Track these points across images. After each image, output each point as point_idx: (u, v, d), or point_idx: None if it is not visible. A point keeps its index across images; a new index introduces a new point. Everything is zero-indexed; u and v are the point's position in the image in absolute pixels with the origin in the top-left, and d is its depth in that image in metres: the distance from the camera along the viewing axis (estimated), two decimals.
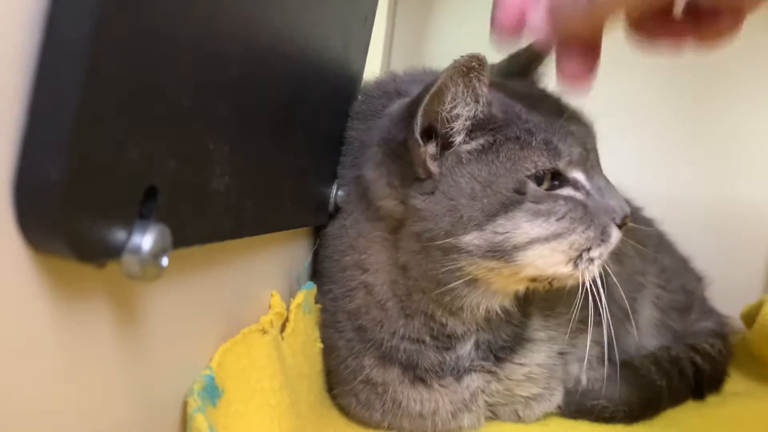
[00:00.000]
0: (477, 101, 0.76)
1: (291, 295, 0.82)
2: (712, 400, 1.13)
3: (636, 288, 1.17)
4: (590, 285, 0.81)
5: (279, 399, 0.63)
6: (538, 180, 0.78)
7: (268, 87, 0.58)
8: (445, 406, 0.89)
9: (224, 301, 0.63)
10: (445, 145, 0.78)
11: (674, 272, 1.24)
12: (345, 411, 0.92)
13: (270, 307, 0.75)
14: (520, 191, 0.76)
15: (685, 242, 1.34)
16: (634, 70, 1.55)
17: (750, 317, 1.32)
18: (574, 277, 0.80)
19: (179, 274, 0.54)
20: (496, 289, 0.83)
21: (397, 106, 0.84)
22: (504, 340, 0.91)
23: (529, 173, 0.77)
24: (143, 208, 0.38)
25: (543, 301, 0.95)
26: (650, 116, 1.57)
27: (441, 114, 0.75)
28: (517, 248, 0.77)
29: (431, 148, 0.77)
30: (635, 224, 1.22)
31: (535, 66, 0.95)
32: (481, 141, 0.78)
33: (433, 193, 0.78)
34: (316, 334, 0.88)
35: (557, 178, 0.79)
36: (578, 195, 0.80)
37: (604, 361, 1.07)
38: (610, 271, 1.16)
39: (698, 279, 1.31)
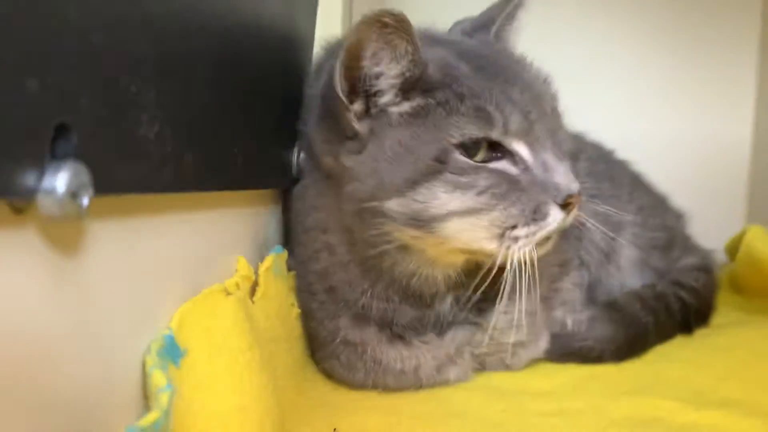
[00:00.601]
0: (403, 60, 0.73)
1: (260, 259, 0.81)
2: (700, 333, 1.13)
3: (614, 228, 1.16)
4: (518, 265, 0.75)
5: (248, 358, 0.62)
6: (469, 150, 0.73)
7: (198, 36, 0.57)
8: (428, 361, 0.88)
9: (184, 262, 0.62)
10: (374, 105, 0.76)
11: (652, 211, 1.23)
12: (329, 374, 0.91)
13: (237, 270, 0.74)
14: (441, 160, 0.73)
15: (666, 180, 1.33)
16: (612, 9, 1.55)
17: (733, 249, 1.32)
18: (502, 255, 0.75)
19: (134, 229, 0.53)
20: (432, 258, 0.80)
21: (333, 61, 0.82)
22: (483, 293, 0.90)
23: (455, 141, 0.72)
24: (56, 146, 0.37)
25: None
26: (627, 56, 1.56)
27: (362, 71, 0.73)
28: (436, 219, 0.74)
29: (357, 106, 0.76)
30: (607, 166, 1.22)
31: (508, 18, 0.90)
32: (413, 103, 0.75)
33: (360, 152, 0.77)
34: (292, 299, 0.88)
35: (498, 149, 0.74)
36: (512, 169, 0.74)
37: (587, 303, 1.08)
38: (587, 215, 1.16)
39: (678, 216, 1.30)
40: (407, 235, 0.76)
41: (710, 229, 1.32)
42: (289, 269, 0.89)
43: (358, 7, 1.47)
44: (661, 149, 1.51)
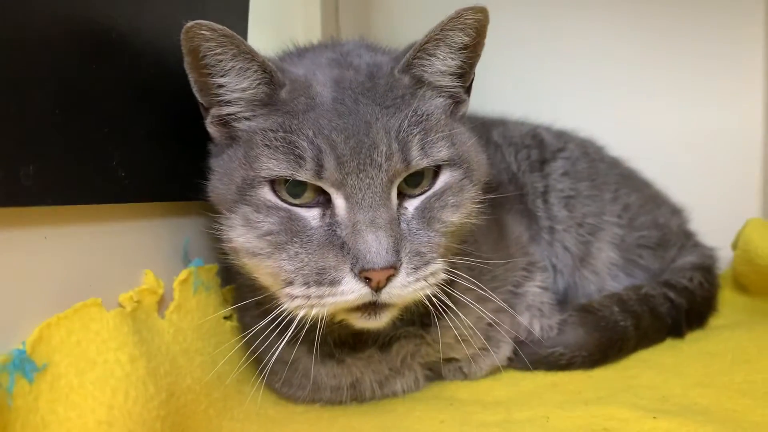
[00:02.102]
0: (247, 75, 0.71)
1: (176, 273, 0.80)
2: (692, 336, 1.06)
3: (590, 231, 1.11)
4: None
5: (128, 370, 0.62)
6: (292, 187, 0.69)
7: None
8: (368, 376, 0.85)
9: (55, 275, 0.62)
10: (221, 114, 0.75)
11: (641, 209, 1.17)
12: (272, 390, 0.89)
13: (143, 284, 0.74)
14: (242, 191, 0.70)
15: (675, 177, 1.28)
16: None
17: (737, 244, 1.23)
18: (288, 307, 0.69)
19: None
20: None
21: None
22: (424, 308, 0.85)
23: (263, 174, 0.69)
24: None
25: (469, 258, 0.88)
26: (634, 51, 1.50)
27: (208, 79, 0.72)
28: (237, 251, 0.72)
29: (214, 111, 0.75)
30: (589, 165, 1.17)
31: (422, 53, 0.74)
32: (253, 124, 0.73)
33: (216, 156, 0.77)
34: (224, 312, 0.87)
35: (324, 195, 0.69)
36: (314, 221, 0.69)
37: (556, 306, 1.03)
38: (559, 218, 1.11)
39: (674, 212, 1.23)
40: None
41: (724, 226, 1.25)
42: (228, 284, 0.89)
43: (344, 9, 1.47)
44: (671, 146, 1.45)
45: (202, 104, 0.75)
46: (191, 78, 0.73)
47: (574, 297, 1.09)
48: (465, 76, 0.78)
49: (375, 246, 0.65)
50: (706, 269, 1.15)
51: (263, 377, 0.89)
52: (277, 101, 0.71)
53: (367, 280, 0.66)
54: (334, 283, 0.66)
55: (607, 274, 1.11)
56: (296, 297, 0.68)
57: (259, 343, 0.85)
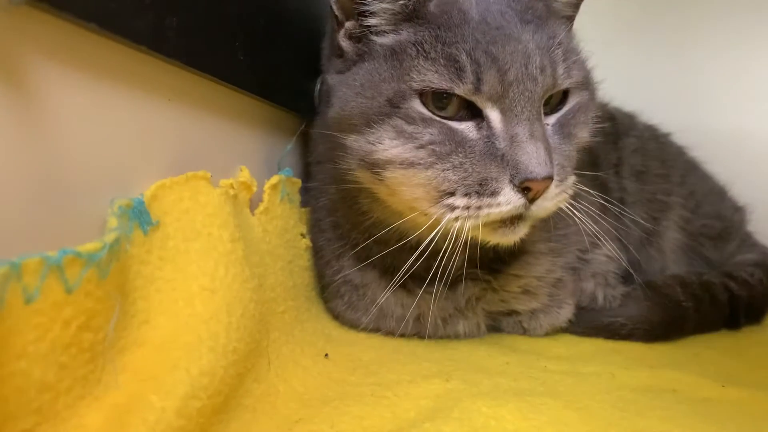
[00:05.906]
0: None
1: (266, 178, 0.80)
2: (749, 330, 1.05)
3: (659, 208, 1.10)
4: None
5: (229, 249, 0.62)
6: (436, 100, 0.67)
7: None
8: (434, 312, 0.84)
9: (171, 141, 0.62)
10: (361, 26, 0.71)
11: (705, 198, 1.16)
12: (334, 314, 0.89)
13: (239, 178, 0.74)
14: (394, 103, 0.67)
15: (733, 177, 1.26)
16: None
17: None
18: (436, 220, 0.67)
19: (121, 84, 0.54)
20: (399, 212, 0.73)
21: None
22: (495, 253, 0.84)
23: (415, 87, 0.66)
24: None
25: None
26: (693, 47, 1.49)
27: None
28: (378, 165, 0.68)
29: (350, 24, 0.72)
30: (659, 146, 1.16)
31: None
32: (398, 37, 0.69)
33: (342, 72, 0.73)
34: (302, 229, 0.87)
35: (471, 108, 0.67)
36: (472, 133, 0.67)
37: (621, 277, 1.02)
38: (630, 191, 1.10)
39: (736, 209, 1.22)
40: (361, 176, 0.72)
41: None
42: (306, 205, 0.89)
43: None
44: (730, 145, 1.43)
45: (336, 17, 0.73)
46: None
47: (637, 274, 1.08)
48: (578, 7, 0.78)
49: (536, 157, 0.64)
50: (767, 268, 1.13)
51: (329, 301, 0.89)
52: (425, 14, 0.69)
53: (525, 192, 0.65)
54: (494, 194, 0.65)
55: (671, 255, 1.10)
56: (456, 207, 0.66)
57: (330, 265, 0.85)
